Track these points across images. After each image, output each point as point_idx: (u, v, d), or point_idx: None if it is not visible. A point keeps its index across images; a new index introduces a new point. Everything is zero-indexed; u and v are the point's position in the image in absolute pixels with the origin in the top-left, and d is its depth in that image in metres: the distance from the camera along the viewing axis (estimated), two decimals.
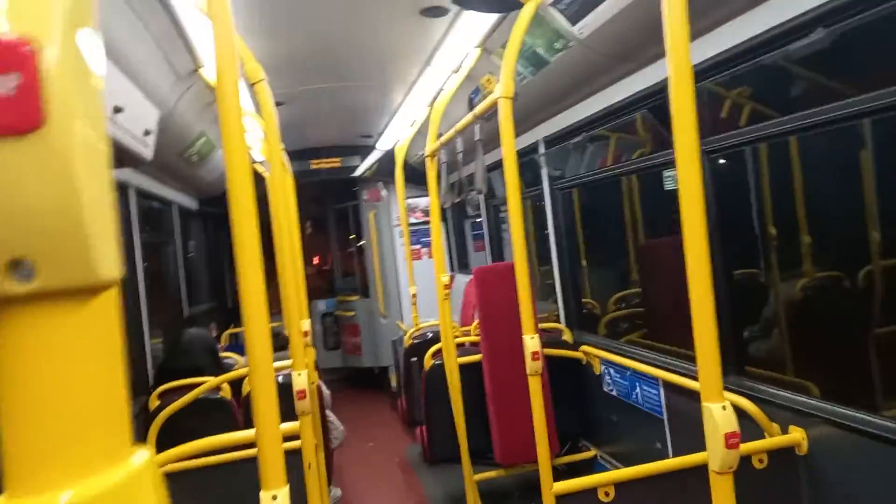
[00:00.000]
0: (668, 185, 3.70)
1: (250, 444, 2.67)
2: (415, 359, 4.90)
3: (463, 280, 6.20)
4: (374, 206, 7.77)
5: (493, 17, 2.92)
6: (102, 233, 0.46)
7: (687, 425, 2.95)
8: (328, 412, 4.87)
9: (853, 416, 2.05)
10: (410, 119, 5.12)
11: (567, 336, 4.21)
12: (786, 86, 2.28)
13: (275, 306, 2.82)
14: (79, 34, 0.45)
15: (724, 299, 2.59)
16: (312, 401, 3.82)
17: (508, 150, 2.35)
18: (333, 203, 8.84)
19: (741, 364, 2.66)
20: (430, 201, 3.66)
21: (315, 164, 7.08)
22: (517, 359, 2.62)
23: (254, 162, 5.32)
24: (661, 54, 1.41)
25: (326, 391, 4.99)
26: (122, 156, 2.89)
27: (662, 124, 2.85)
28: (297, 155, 6.72)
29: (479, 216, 6.51)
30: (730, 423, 1.46)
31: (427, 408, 4.17)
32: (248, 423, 3.32)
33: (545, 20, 2.72)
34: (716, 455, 1.48)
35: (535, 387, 2.53)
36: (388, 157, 6.34)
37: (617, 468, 3.14)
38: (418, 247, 7.39)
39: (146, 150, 2.97)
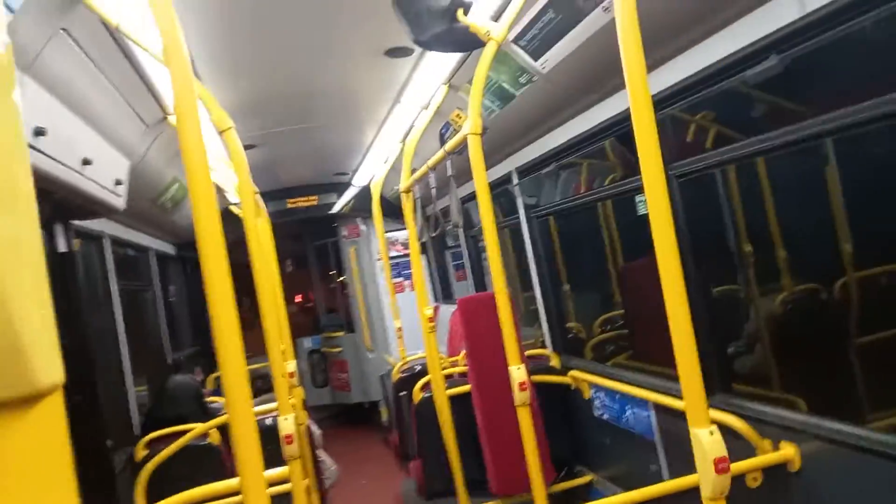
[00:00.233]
0: (641, 210, 3.74)
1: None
2: (404, 392, 4.86)
3: (448, 310, 6.18)
4: (354, 242, 7.77)
5: (457, 55, 2.97)
6: (38, 339, 0.44)
7: (679, 446, 2.94)
8: (319, 451, 4.80)
9: (842, 429, 2.05)
10: (384, 155, 5.16)
11: (554, 361, 4.20)
12: (748, 109, 2.33)
13: (260, 348, 2.80)
14: (3, 128, 0.43)
15: (704, 318, 2.60)
16: (302, 443, 3.77)
17: (481, 183, 2.37)
18: (313, 240, 8.83)
19: (727, 382, 2.66)
20: (409, 235, 3.67)
21: (292, 204, 7.08)
22: (506, 388, 2.60)
23: (230, 204, 5.31)
24: (621, 85, 1.44)
25: (317, 431, 4.91)
26: (95, 206, 2.87)
27: (631, 151, 2.89)
28: (274, 195, 6.72)
29: (458, 246, 6.53)
30: (718, 448, 1.46)
31: (419, 441, 4.13)
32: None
33: (509, 56, 2.77)
34: (707, 481, 1.47)
35: (525, 417, 2.52)
36: (365, 192, 6.36)
37: (614, 492, 3.11)
38: (401, 279, 7.37)
39: (118, 199, 2.95)
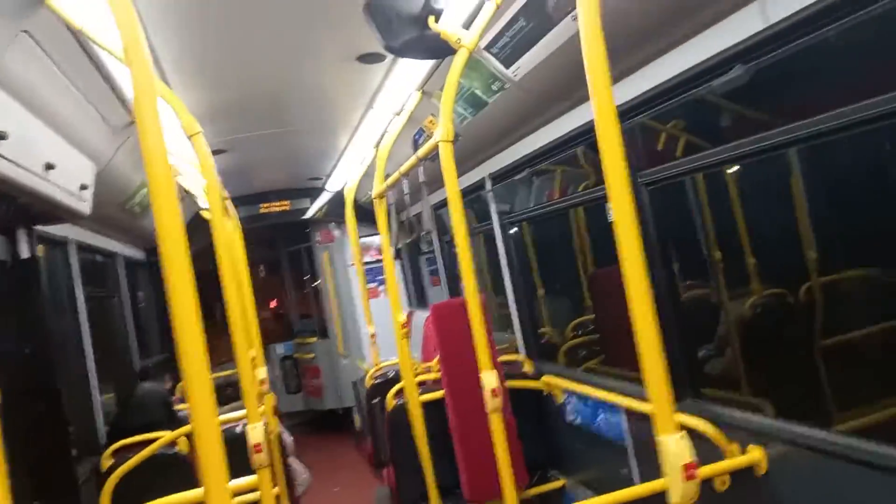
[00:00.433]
0: (611, 218, 3.78)
1: None
2: (377, 399, 4.83)
3: (422, 316, 6.17)
4: (328, 247, 7.72)
5: (430, 61, 2.97)
6: None
7: (650, 450, 2.96)
8: (291, 459, 4.75)
9: (807, 433, 2.08)
10: (358, 160, 5.13)
11: (527, 367, 4.21)
12: (716, 119, 2.37)
13: (231, 354, 2.76)
14: None
15: (673, 323, 2.63)
16: (273, 450, 3.72)
17: (452, 190, 2.37)
18: (286, 246, 8.76)
19: (697, 386, 2.69)
20: (382, 241, 3.66)
21: (264, 209, 7.02)
22: (479, 394, 2.60)
23: (201, 209, 5.24)
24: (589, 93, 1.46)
25: (288, 438, 4.86)
26: (59, 211, 2.81)
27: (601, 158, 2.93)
28: (246, 200, 6.65)
29: (433, 251, 6.53)
30: (686, 454, 1.47)
31: (392, 448, 4.10)
32: None
33: (481, 63, 2.78)
34: (675, 488, 1.48)
35: (497, 423, 2.52)
36: (339, 198, 6.33)
37: (586, 496, 3.12)
38: (374, 285, 7.34)
39: (83, 204, 2.89)
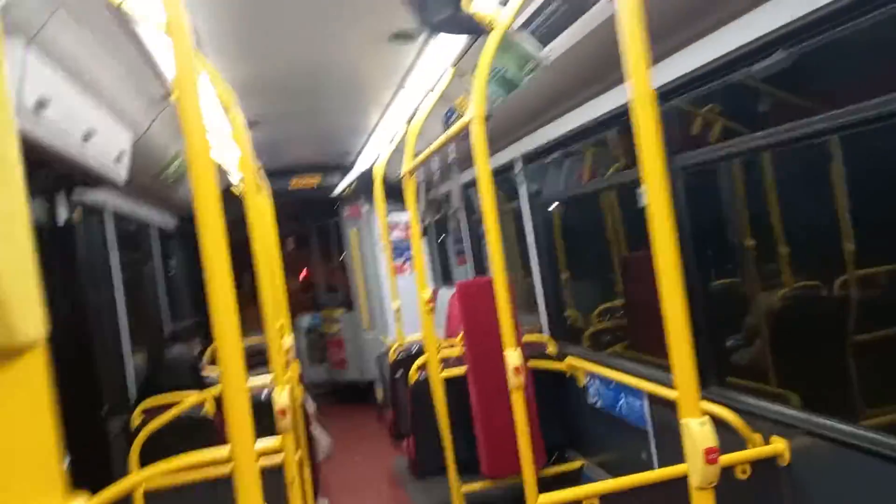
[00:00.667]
0: (642, 202, 3.73)
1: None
2: (400, 373, 4.89)
3: (446, 294, 6.19)
4: (356, 223, 7.77)
5: (464, 40, 2.94)
6: (21, 294, 0.44)
7: (671, 436, 2.96)
8: (314, 426, 4.85)
9: (833, 426, 2.06)
10: (388, 138, 5.13)
11: (551, 348, 4.22)
12: (755, 103, 2.31)
13: (259, 322, 2.81)
14: None
15: (702, 310, 2.61)
16: (296, 416, 3.80)
17: (483, 169, 2.36)
18: (315, 220, 8.83)
19: (722, 374, 2.67)
20: (410, 219, 3.67)
21: (295, 183, 7.07)
22: (501, 372, 2.62)
23: (232, 184, 5.30)
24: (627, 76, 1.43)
25: (312, 406, 4.96)
26: (96, 179, 2.87)
27: (633, 141, 2.89)
28: (277, 174, 6.70)
29: (460, 229, 6.53)
30: (709, 438, 1.47)
31: (413, 421, 4.16)
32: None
33: (514, 44, 2.75)
34: (696, 471, 1.48)
35: (518, 401, 2.53)
36: (368, 174, 6.34)
37: (604, 479, 3.14)
38: (401, 261, 7.38)
39: (119, 172, 2.95)
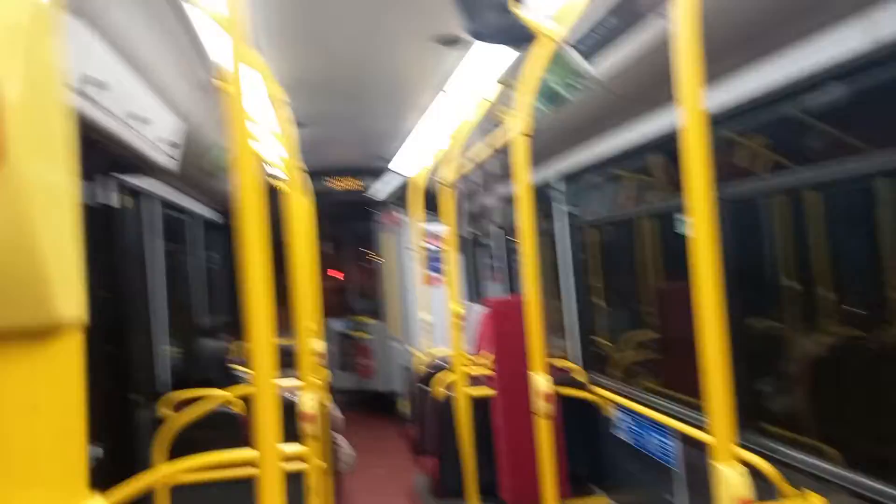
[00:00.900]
0: (682, 230, 3.63)
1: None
2: (426, 387, 4.84)
3: (477, 309, 6.14)
4: (392, 230, 7.78)
5: (509, 52, 2.91)
6: (62, 274, 0.45)
7: (700, 479, 2.85)
8: (338, 435, 4.82)
9: (875, 487, 1.94)
10: (429, 145, 5.14)
11: (579, 375, 4.13)
12: (806, 137, 2.22)
13: (290, 323, 2.81)
14: (42, 75, 0.44)
15: (739, 351, 2.51)
16: (323, 423, 3.79)
17: (523, 186, 2.33)
18: (351, 223, 8.87)
19: (757, 420, 2.56)
20: (447, 230, 3.65)
21: (333, 185, 7.12)
22: (528, 396, 2.56)
23: (276, 179, 5.37)
24: (675, 100, 1.38)
25: (339, 415, 4.94)
26: (146, 164, 2.92)
27: (678, 167, 2.82)
28: (317, 174, 6.77)
29: (496, 245, 6.48)
30: (743, 487, 1.39)
31: (437, 439, 4.10)
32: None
33: (563, 58, 2.71)
34: None
35: (544, 428, 2.47)
36: (407, 182, 6.36)
37: None
38: (434, 273, 7.35)
39: (171, 160, 3.00)
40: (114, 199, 3.23)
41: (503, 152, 2.72)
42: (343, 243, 9.33)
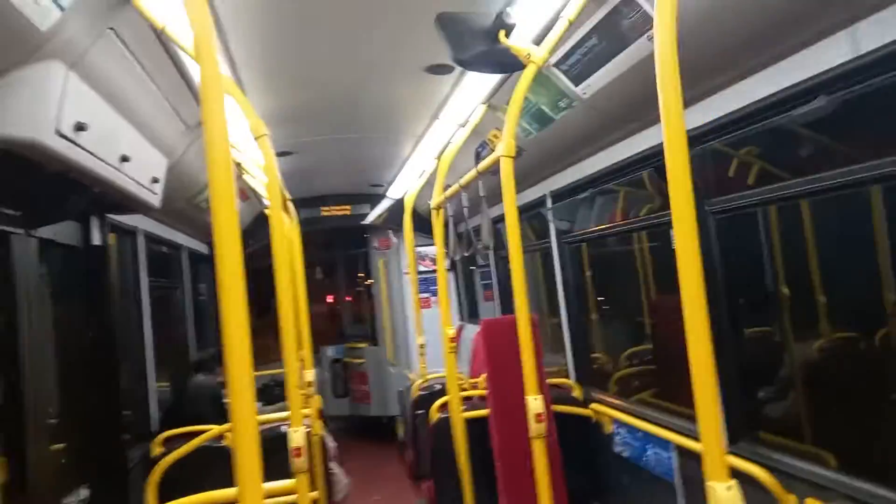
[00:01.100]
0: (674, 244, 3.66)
1: None
2: (421, 411, 4.81)
3: (472, 329, 6.12)
4: (384, 254, 7.77)
5: (498, 75, 2.95)
6: None
7: (700, 492, 2.82)
8: (332, 463, 4.77)
9: (873, 491, 1.94)
10: (419, 169, 5.16)
11: (577, 392, 4.11)
12: (793, 149, 2.25)
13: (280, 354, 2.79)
14: None
15: (733, 360, 2.51)
16: (315, 454, 3.74)
17: (510, 206, 2.33)
18: (343, 249, 8.87)
19: (754, 429, 2.55)
20: (438, 252, 3.65)
21: (325, 211, 7.13)
22: (525, 416, 2.54)
23: (266, 208, 5.37)
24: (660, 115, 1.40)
25: (332, 443, 4.89)
26: (131, 202, 2.91)
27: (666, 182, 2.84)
28: (307, 202, 6.77)
29: (488, 265, 6.49)
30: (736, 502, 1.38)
31: (434, 462, 4.06)
32: None
33: (549, 80, 2.74)
34: None
35: (540, 449, 2.45)
36: (399, 205, 6.37)
37: None
38: (427, 295, 7.34)
39: (154, 196, 3.00)
40: (98, 238, 3.22)
41: (492, 173, 2.74)
42: (336, 268, 9.32)
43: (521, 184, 2.46)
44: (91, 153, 2.17)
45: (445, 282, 3.94)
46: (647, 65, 2.19)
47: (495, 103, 3.36)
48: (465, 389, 4.12)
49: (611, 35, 2.29)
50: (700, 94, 2.33)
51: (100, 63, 2.13)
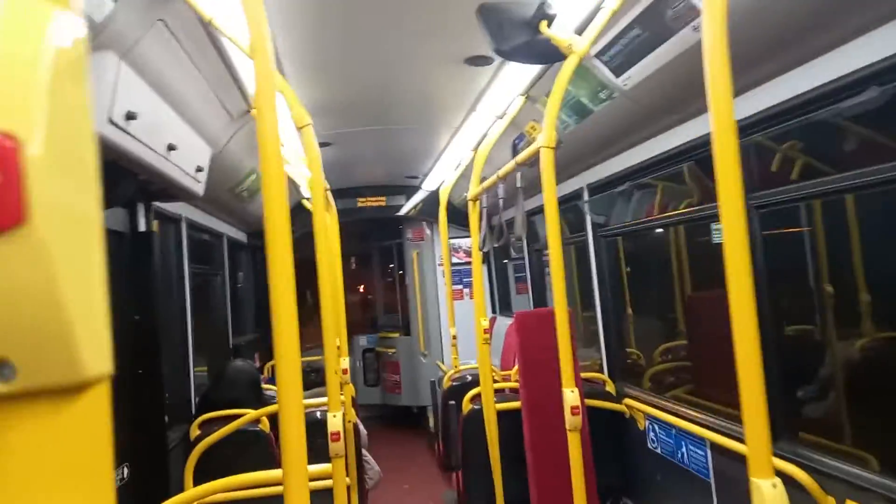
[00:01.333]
0: (717, 238, 3.60)
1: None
2: (453, 402, 4.83)
3: (504, 322, 6.12)
4: (418, 245, 7.81)
5: (537, 67, 2.93)
6: (90, 328, 0.44)
7: (736, 490, 2.80)
8: (364, 452, 4.83)
9: None
10: (455, 161, 5.17)
11: (610, 387, 4.09)
12: (840, 142, 2.20)
13: (318, 340, 2.84)
14: (66, 127, 0.43)
15: (775, 359, 2.47)
16: (349, 441, 3.80)
17: (550, 198, 2.33)
18: (378, 240, 8.94)
19: (794, 429, 2.51)
20: (473, 244, 3.66)
21: (361, 202, 7.20)
22: (558, 409, 2.54)
23: (303, 198, 5.44)
24: (704, 108, 1.37)
25: (363, 431, 4.95)
26: (176, 190, 2.99)
27: (709, 176, 2.80)
28: (344, 193, 6.84)
29: (521, 258, 6.48)
30: (781, 502, 1.36)
31: (464, 454, 4.09)
32: None
33: (589, 71, 2.72)
34: None
35: (575, 442, 2.45)
36: (433, 197, 6.39)
37: None
38: (461, 287, 7.36)
39: (198, 185, 3.06)
40: (144, 225, 3.31)
41: (529, 165, 2.73)
42: (370, 259, 9.41)
43: (558, 176, 2.44)
44: (140, 141, 2.24)
45: (480, 274, 3.94)
46: (689, 56, 2.16)
47: (534, 94, 3.35)
48: (497, 381, 4.13)
49: (654, 25, 2.26)
50: (745, 86, 2.29)
51: (149, 53, 2.18)
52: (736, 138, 1.36)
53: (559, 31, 2.35)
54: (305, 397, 4.57)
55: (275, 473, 2.64)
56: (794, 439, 2.48)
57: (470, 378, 5.07)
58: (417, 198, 7.09)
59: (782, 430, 2.45)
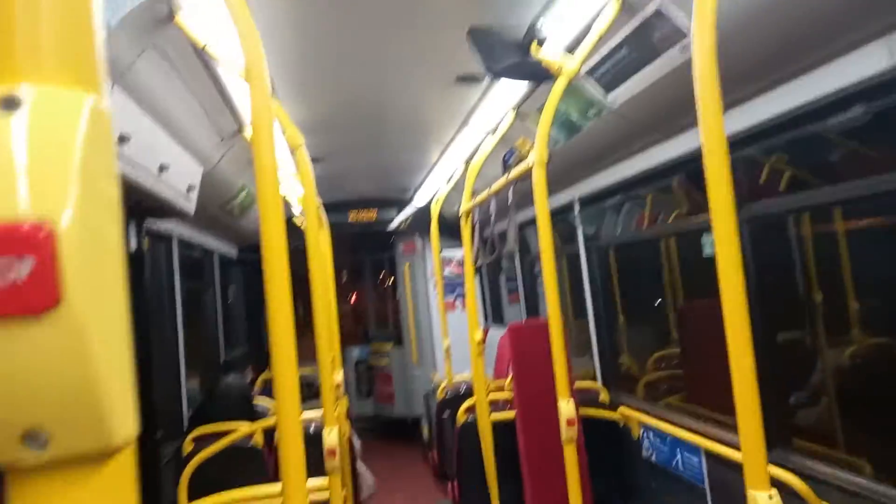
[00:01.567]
0: (707, 250, 3.65)
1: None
2: (447, 413, 4.84)
3: (497, 333, 6.14)
4: (410, 258, 7.82)
5: (527, 83, 2.96)
6: (119, 397, 0.46)
7: (730, 497, 2.82)
8: (359, 462, 4.82)
9: None
10: (446, 175, 5.19)
11: (604, 396, 4.11)
12: (828, 156, 2.24)
13: (310, 353, 2.84)
14: (95, 207, 0.45)
15: (767, 367, 2.50)
16: (343, 453, 3.79)
17: (542, 214, 2.35)
18: (370, 253, 8.95)
19: (788, 436, 2.54)
20: (464, 257, 3.68)
21: (352, 217, 7.21)
22: (552, 419, 2.56)
23: (293, 215, 5.44)
24: (693, 123, 1.40)
25: (357, 442, 4.95)
26: (167, 209, 2.99)
27: (698, 189, 2.84)
28: (335, 207, 6.85)
29: (513, 269, 6.50)
30: None
31: (459, 464, 4.09)
32: (279, 472, 3.30)
33: (579, 89, 2.76)
34: None
35: (570, 454, 2.46)
36: (425, 210, 6.41)
37: None
38: (453, 299, 7.37)
39: (189, 204, 3.07)
40: (135, 244, 3.30)
41: (521, 179, 2.75)
42: (362, 271, 9.41)
43: (550, 189, 2.47)
44: (132, 163, 2.24)
45: (473, 286, 3.96)
46: (676, 75, 2.20)
47: (524, 110, 3.38)
48: (491, 392, 4.14)
49: (641, 46, 2.30)
50: (733, 102, 2.33)
51: (142, 77, 2.19)
52: (726, 153, 1.39)
53: (550, 52, 2.38)
54: (301, 410, 4.53)
55: (273, 488, 2.64)
56: (788, 447, 2.51)
57: (463, 389, 5.08)
58: (408, 211, 7.11)
59: (776, 438, 2.47)
